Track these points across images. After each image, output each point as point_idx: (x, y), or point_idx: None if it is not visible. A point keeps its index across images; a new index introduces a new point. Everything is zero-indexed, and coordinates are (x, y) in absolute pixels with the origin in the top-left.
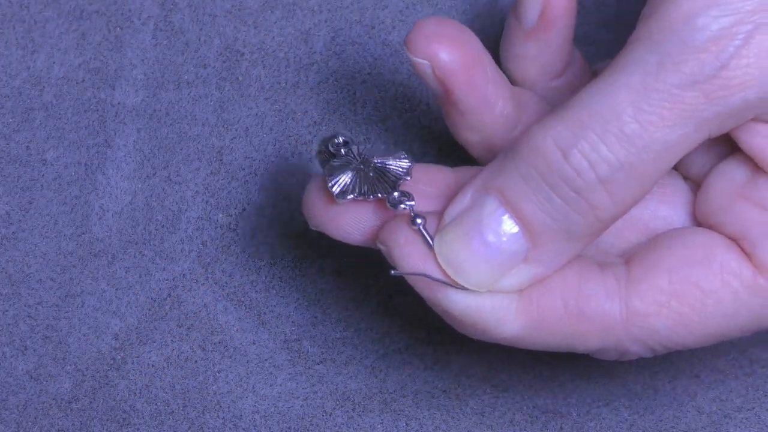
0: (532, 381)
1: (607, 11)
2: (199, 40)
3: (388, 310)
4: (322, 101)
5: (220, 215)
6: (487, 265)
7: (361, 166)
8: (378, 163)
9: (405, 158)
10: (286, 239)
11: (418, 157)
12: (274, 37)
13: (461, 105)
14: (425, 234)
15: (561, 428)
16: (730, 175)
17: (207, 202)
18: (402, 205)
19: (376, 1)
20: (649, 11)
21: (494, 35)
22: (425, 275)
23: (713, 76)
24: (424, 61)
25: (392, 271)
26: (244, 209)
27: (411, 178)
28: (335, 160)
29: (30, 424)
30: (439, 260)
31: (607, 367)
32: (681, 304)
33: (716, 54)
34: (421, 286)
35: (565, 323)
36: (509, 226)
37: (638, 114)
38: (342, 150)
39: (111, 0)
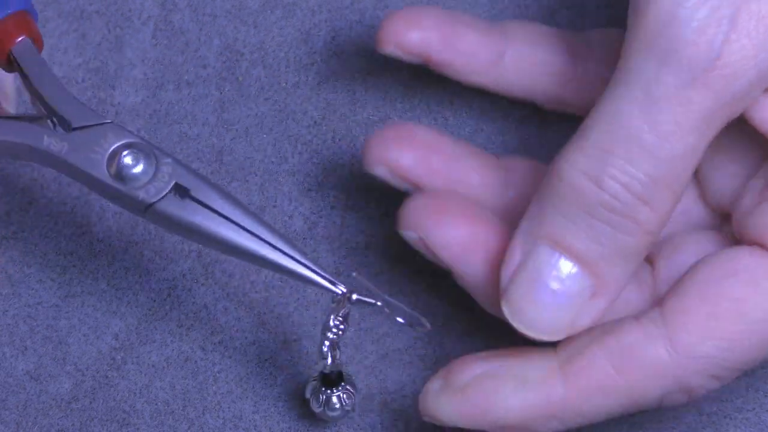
0: None
1: (607, 12)
2: (199, 40)
3: None
4: (322, 101)
5: None
6: (558, 312)
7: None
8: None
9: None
10: None
11: None
12: (274, 37)
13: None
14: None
15: None
16: (754, 185)
17: None
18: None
19: (376, 1)
20: (633, 17)
21: None
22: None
23: (710, 68)
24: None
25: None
26: None
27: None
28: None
29: (30, 424)
30: (511, 321)
31: None
32: (722, 321)
33: (707, 45)
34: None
35: (616, 381)
36: (568, 267)
37: (653, 126)
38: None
39: (111, 0)
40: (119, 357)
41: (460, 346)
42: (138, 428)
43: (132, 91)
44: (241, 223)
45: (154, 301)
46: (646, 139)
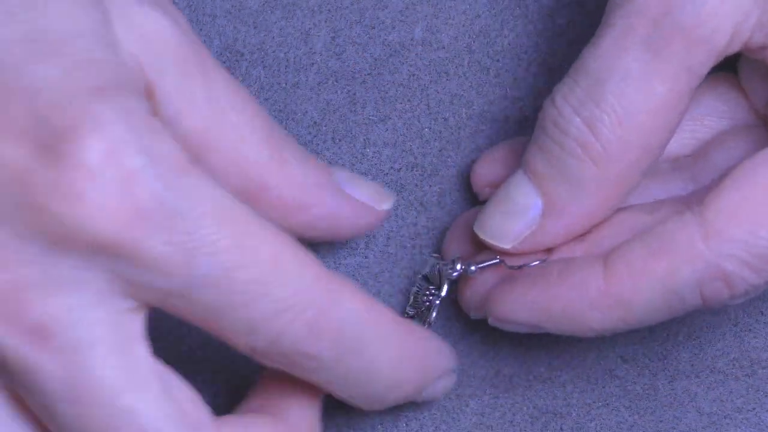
0: (532, 381)
1: None
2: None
3: None
4: (322, 101)
5: None
6: (508, 220)
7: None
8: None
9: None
10: None
11: (418, 157)
12: (274, 37)
13: None
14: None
15: (561, 428)
16: None
17: None
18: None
19: (376, 1)
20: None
21: (494, 36)
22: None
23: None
24: None
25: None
26: None
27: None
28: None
29: None
30: (475, 228)
31: (608, 367)
32: (754, 205)
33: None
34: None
35: (651, 265)
36: (525, 183)
37: (597, 52)
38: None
39: None
40: None
41: (461, 347)
42: None
43: None
44: None
45: None
46: (592, 67)
